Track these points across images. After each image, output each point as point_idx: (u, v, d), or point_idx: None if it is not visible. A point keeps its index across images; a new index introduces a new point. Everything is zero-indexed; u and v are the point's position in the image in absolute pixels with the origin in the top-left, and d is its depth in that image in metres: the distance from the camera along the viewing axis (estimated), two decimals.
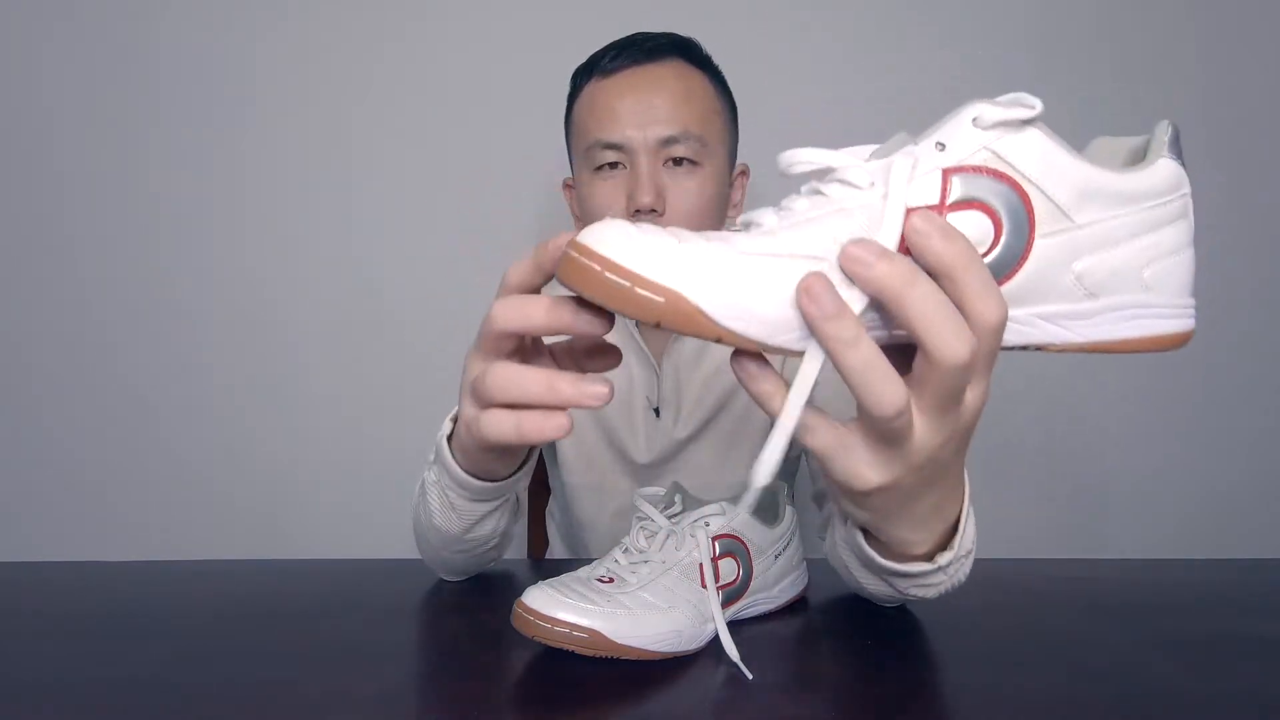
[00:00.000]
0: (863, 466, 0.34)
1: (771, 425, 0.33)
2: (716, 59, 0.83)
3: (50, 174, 1.25)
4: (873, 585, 0.51)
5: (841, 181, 0.33)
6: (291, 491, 1.30)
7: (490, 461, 0.50)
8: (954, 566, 0.46)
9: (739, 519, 0.57)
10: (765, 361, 0.34)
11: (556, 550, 1.05)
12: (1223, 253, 1.29)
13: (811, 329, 0.30)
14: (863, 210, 0.32)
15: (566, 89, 0.84)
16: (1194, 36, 1.26)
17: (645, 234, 0.31)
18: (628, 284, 0.30)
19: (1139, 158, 0.34)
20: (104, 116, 1.25)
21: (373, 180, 1.27)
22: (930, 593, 0.49)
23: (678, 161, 0.77)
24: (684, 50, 0.80)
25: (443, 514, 0.57)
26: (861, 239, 0.30)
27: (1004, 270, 0.32)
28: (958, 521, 0.44)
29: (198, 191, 1.27)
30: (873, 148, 0.34)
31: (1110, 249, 0.32)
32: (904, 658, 0.51)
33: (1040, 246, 0.32)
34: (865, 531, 0.46)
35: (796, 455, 0.94)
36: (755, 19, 1.26)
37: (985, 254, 0.32)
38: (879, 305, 0.31)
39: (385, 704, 0.45)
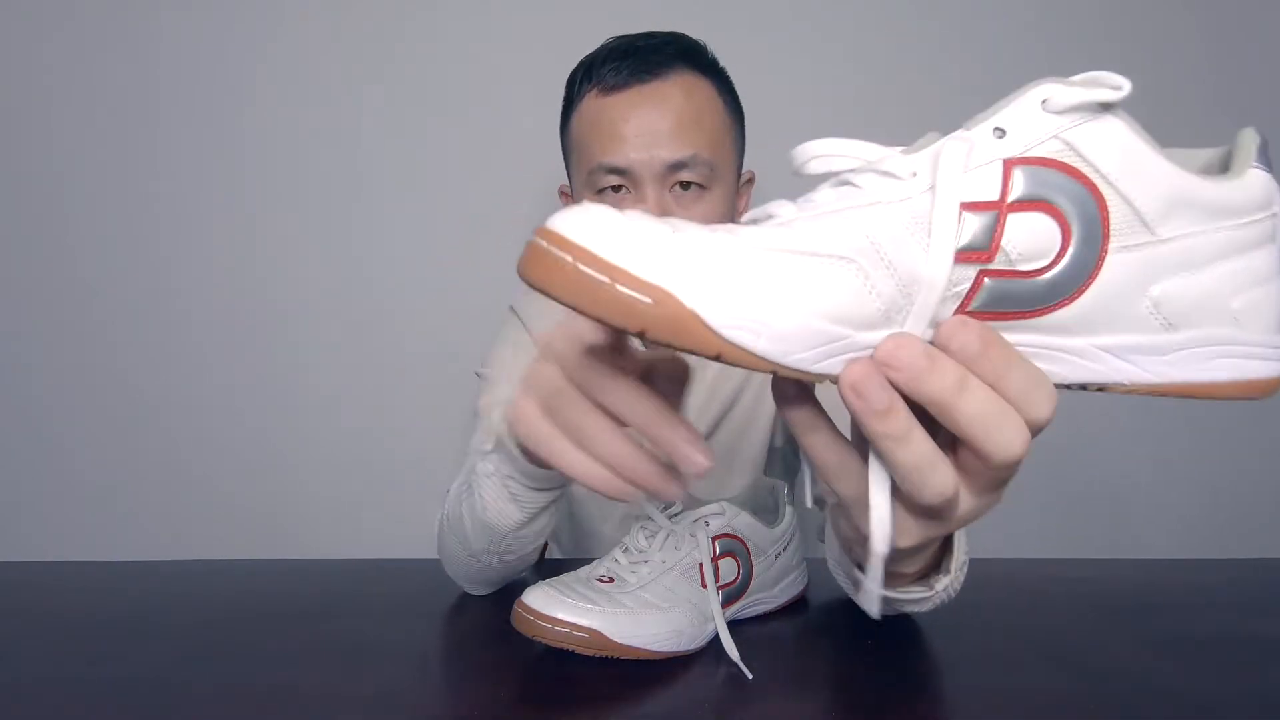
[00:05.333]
0: (897, 535, 0.31)
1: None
2: (719, 59, 0.79)
3: (50, 174, 1.25)
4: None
5: (877, 171, 0.28)
6: (292, 491, 1.30)
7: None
8: (948, 589, 0.46)
9: (738, 520, 0.57)
10: (805, 386, 0.30)
11: (557, 553, 1.05)
12: None
13: (859, 423, 0.27)
14: (904, 205, 0.27)
15: (566, 83, 0.81)
16: (1198, 33, 1.26)
17: (632, 220, 0.26)
18: (606, 279, 0.24)
19: (1212, 174, 0.29)
20: (104, 116, 1.25)
21: (373, 179, 1.27)
22: (925, 608, 0.48)
23: (685, 185, 0.73)
24: (690, 57, 0.75)
25: (498, 507, 0.54)
26: (901, 334, 0.26)
27: (1069, 288, 0.27)
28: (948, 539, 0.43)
29: (197, 191, 1.26)
30: (899, 149, 0.29)
31: (1196, 271, 0.27)
32: (904, 658, 0.51)
33: (1113, 263, 0.27)
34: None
35: (797, 456, 0.94)
36: (759, 16, 1.25)
37: (1049, 266, 0.27)
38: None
39: (385, 704, 0.45)
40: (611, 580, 0.52)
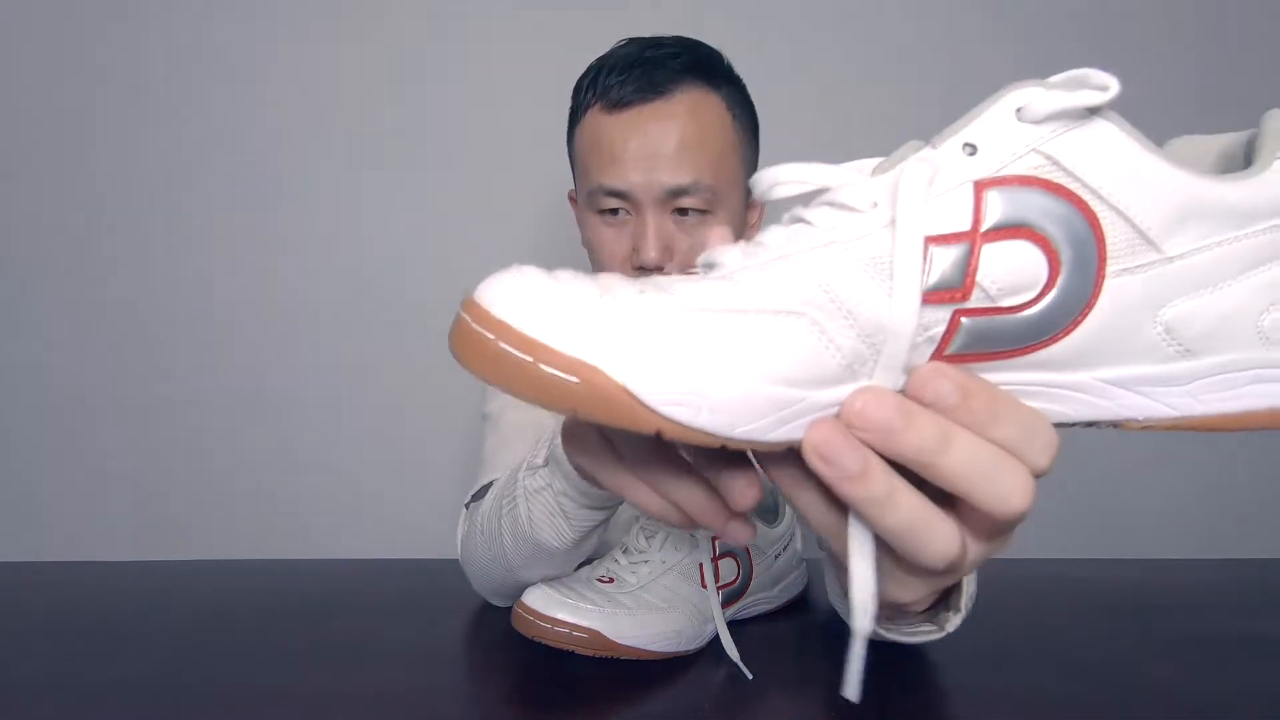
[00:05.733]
0: (899, 590, 0.28)
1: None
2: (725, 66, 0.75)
3: (50, 174, 1.25)
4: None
5: (832, 204, 0.24)
6: (291, 491, 1.30)
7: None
8: (958, 626, 0.43)
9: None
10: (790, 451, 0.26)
11: None
12: None
13: (834, 491, 0.24)
14: (861, 244, 0.23)
15: (573, 90, 0.79)
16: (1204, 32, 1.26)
17: (559, 285, 0.23)
18: (529, 358, 0.22)
19: (1235, 164, 0.26)
20: (106, 117, 1.25)
21: (375, 180, 1.27)
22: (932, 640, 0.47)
23: (684, 211, 0.71)
24: (700, 70, 0.72)
25: (550, 524, 0.50)
26: (869, 389, 0.23)
27: (1062, 321, 0.23)
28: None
29: (196, 191, 1.26)
30: (875, 161, 0.26)
31: (1215, 288, 0.23)
32: (904, 658, 0.51)
33: (1113, 288, 0.23)
34: None
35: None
36: (771, 25, 1.25)
37: (1036, 299, 0.23)
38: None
39: (385, 704, 0.45)
40: (611, 580, 0.52)
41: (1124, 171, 0.23)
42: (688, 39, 0.75)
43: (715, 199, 0.71)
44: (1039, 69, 0.28)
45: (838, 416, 0.23)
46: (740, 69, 0.78)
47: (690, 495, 0.29)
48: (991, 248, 0.23)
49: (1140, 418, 0.25)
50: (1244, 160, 0.25)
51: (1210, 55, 1.26)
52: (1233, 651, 0.52)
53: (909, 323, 0.23)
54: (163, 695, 0.46)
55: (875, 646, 0.52)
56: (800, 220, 0.25)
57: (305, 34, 1.25)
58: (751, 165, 0.78)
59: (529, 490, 0.51)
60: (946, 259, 0.23)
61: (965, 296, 0.23)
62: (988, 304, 0.23)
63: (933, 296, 0.23)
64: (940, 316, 0.23)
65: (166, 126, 1.26)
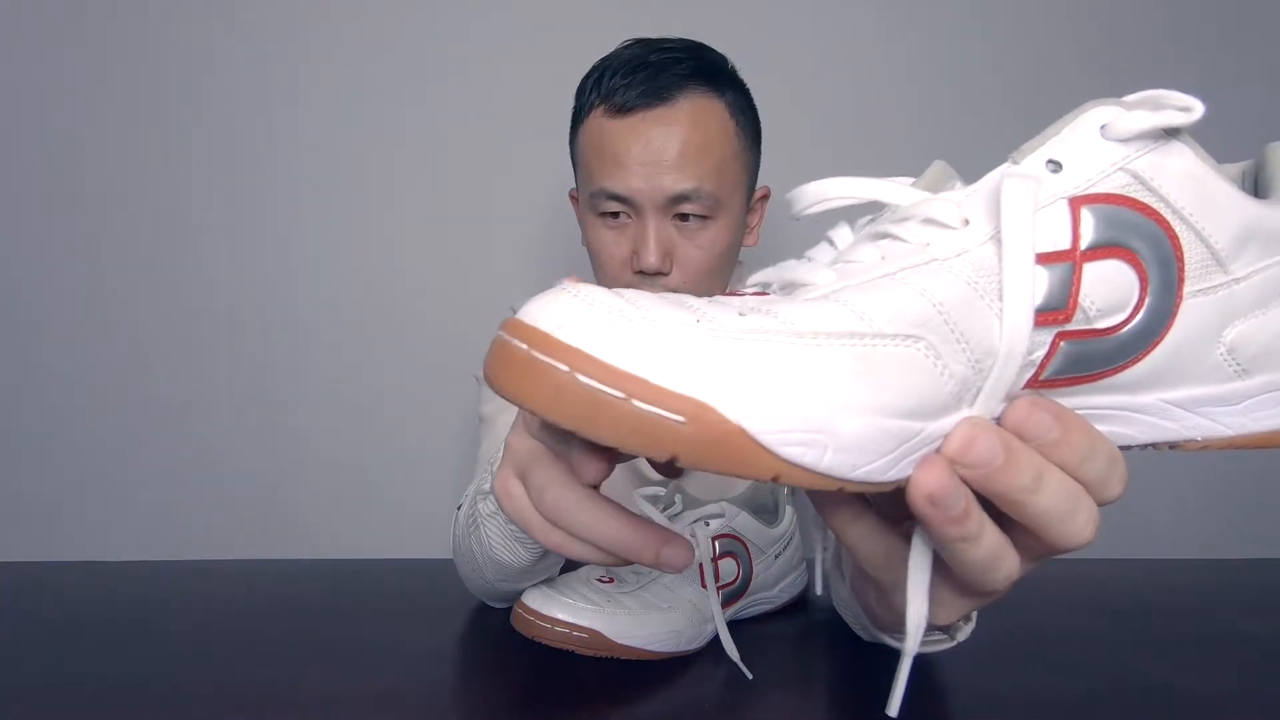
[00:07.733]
0: (941, 611, 0.27)
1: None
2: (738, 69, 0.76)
3: (52, 172, 1.25)
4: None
5: (924, 219, 0.23)
6: (291, 492, 1.30)
7: None
8: (969, 632, 0.44)
9: (738, 520, 0.57)
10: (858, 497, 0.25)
11: None
12: None
13: (929, 531, 0.23)
14: (962, 260, 0.22)
15: (574, 89, 0.79)
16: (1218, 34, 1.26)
17: (639, 307, 0.20)
18: (619, 394, 0.19)
19: (1249, 188, 0.27)
20: (108, 116, 1.25)
21: (376, 181, 1.27)
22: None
23: (685, 216, 0.71)
24: (704, 75, 0.72)
25: (506, 547, 0.51)
26: (972, 422, 0.22)
27: (1144, 343, 0.23)
28: None
29: (198, 191, 1.27)
30: (908, 180, 0.26)
31: (1267, 309, 0.24)
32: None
33: (1189, 309, 0.23)
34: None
35: None
36: (774, 28, 1.25)
37: (1127, 320, 0.23)
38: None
39: (385, 704, 0.45)
40: (611, 580, 0.52)
41: (1200, 193, 0.23)
42: (693, 42, 0.75)
43: (716, 205, 0.72)
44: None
45: (938, 452, 0.22)
46: (743, 72, 0.78)
47: (611, 532, 0.27)
48: (1091, 267, 0.22)
49: (1200, 438, 0.25)
50: (1251, 191, 0.26)
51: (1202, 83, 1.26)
52: (1233, 651, 0.52)
53: (1021, 345, 0.22)
54: (162, 695, 0.46)
55: (877, 648, 0.52)
56: (887, 235, 0.24)
57: (304, 33, 1.25)
58: (753, 170, 0.78)
59: (483, 515, 0.51)
60: (1051, 279, 0.22)
61: (1068, 318, 0.23)
62: (1086, 325, 0.23)
63: (1039, 318, 0.22)
64: (1043, 339, 0.23)
65: (169, 127, 1.26)
